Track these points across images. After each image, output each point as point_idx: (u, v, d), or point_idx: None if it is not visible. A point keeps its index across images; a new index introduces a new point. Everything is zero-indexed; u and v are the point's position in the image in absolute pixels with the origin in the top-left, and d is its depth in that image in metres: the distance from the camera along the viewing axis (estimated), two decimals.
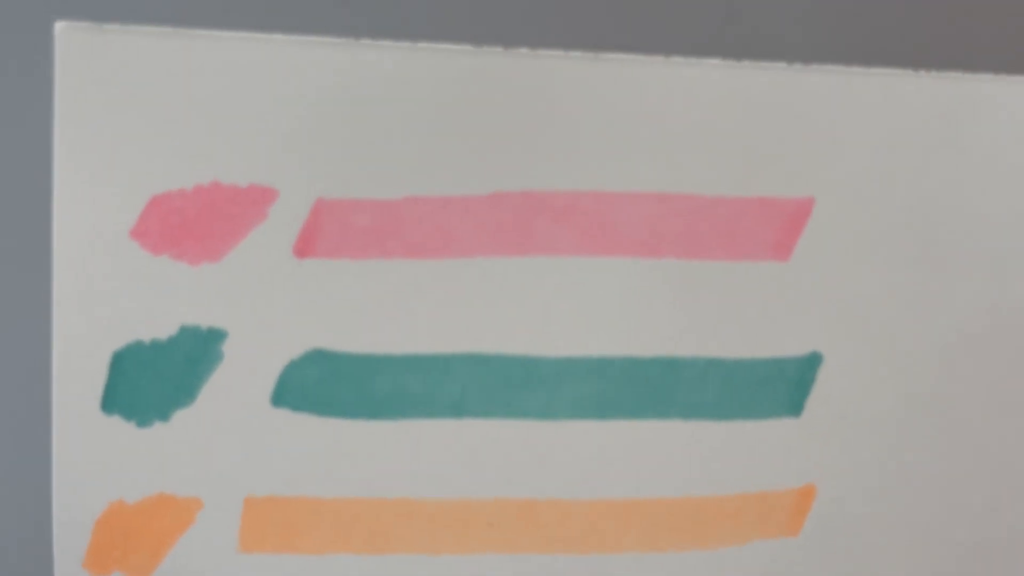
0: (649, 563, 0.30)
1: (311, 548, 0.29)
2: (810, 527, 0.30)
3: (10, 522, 0.30)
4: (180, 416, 0.28)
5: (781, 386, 0.29)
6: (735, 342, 0.29)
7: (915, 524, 0.30)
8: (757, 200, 0.28)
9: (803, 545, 0.30)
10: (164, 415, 0.28)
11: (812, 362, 0.29)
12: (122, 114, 0.26)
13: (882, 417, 0.29)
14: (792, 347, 0.29)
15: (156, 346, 0.28)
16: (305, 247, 0.28)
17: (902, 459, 0.30)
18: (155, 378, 0.28)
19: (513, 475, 0.29)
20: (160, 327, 0.28)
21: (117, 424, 0.28)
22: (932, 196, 0.28)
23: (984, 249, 0.29)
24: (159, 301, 0.28)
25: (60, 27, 0.26)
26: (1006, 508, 0.31)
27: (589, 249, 0.28)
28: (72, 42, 0.26)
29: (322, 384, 0.28)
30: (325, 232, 0.27)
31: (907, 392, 0.29)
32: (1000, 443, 0.30)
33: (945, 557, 0.31)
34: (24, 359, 0.28)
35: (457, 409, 0.29)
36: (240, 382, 0.28)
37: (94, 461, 0.28)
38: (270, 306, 0.28)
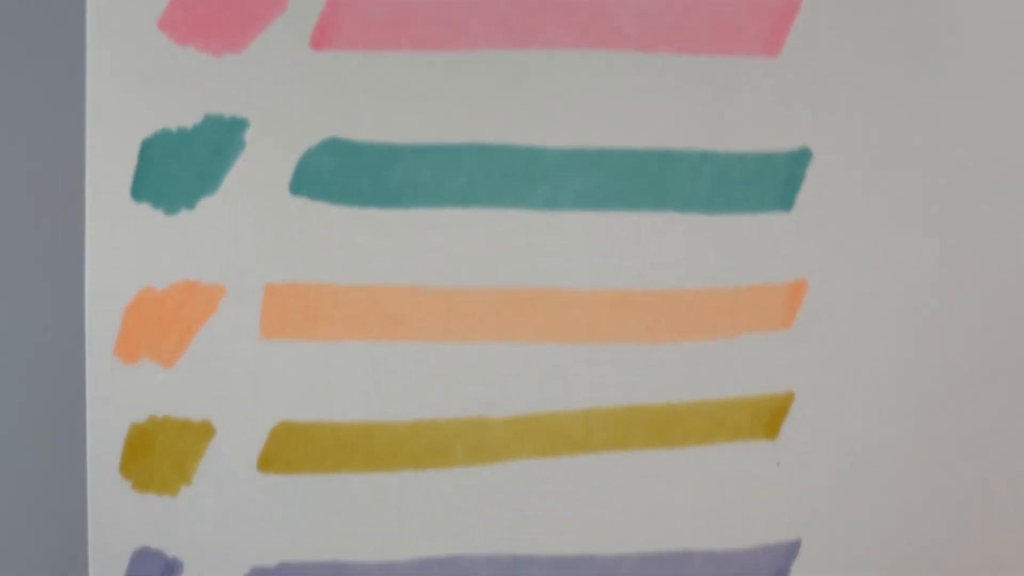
0: (644, 353, 0.32)
1: (329, 335, 0.31)
2: (801, 320, 0.32)
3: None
4: (205, 203, 0.30)
5: (772, 181, 0.31)
6: (727, 136, 0.31)
7: (903, 317, 0.32)
8: None
9: (794, 338, 0.32)
10: (190, 203, 0.30)
11: (801, 157, 0.31)
12: None
13: (872, 212, 0.31)
14: (782, 142, 0.31)
15: (182, 134, 0.30)
16: (322, 39, 0.29)
17: (891, 254, 0.32)
18: (181, 166, 0.30)
19: (518, 265, 0.31)
20: (186, 116, 0.29)
21: (146, 211, 0.30)
22: None
23: (975, 45, 0.31)
24: (185, 91, 0.29)
25: None
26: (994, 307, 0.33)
27: (589, 43, 0.30)
28: None
29: (338, 173, 0.30)
30: (341, 24, 0.29)
31: (896, 187, 0.31)
32: (990, 240, 0.32)
33: (932, 351, 0.33)
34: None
35: (465, 198, 0.30)
36: (261, 171, 0.30)
37: (125, 248, 0.30)
38: (289, 97, 0.29)
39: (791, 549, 0.33)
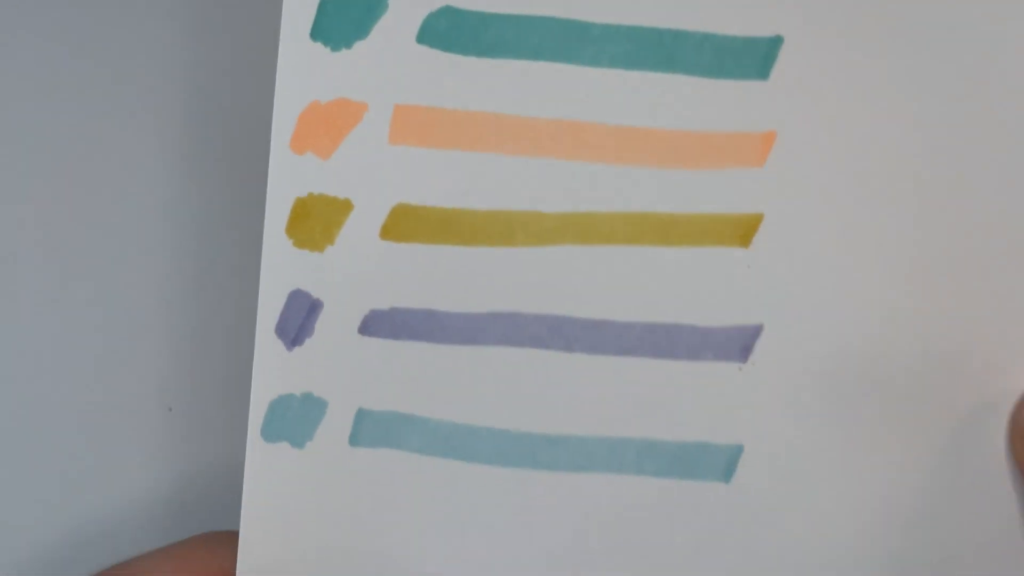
0: (654, 174, 0.45)
1: (434, 143, 0.44)
2: (771, 161, 0.45)
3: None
4: (359, 45, 0.44)
5: (754, 55, 0.44)
6: (723, 24, 0.44)
7: (878, 179, 0.42)
8: None
9: (766, 173, 0.44)
10: (348, 43, 0.44)
11: (776, 41, 0.44)
12: None
13: (845, 83, 0.41)
14: (764, 30, 0.44)
15: None
16: None
17: (864, 112, 0.41)
18: (345, 18, 0.44)
19: (570, 102, 0.44)
20: None
21: (319, 48, 0.45)
22: None
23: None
24: None
25: None
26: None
27: None
28: None
29: (449, 30, 0.43)
30: None
31: (867, 69, 0.42)
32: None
33: (897, 185, 0.42)
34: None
35: (536, 54, 0.43)
36: (398, 24, 0.44)
37: (303, 73, 0.45)
38: None
39: (755, 331, 0.44)
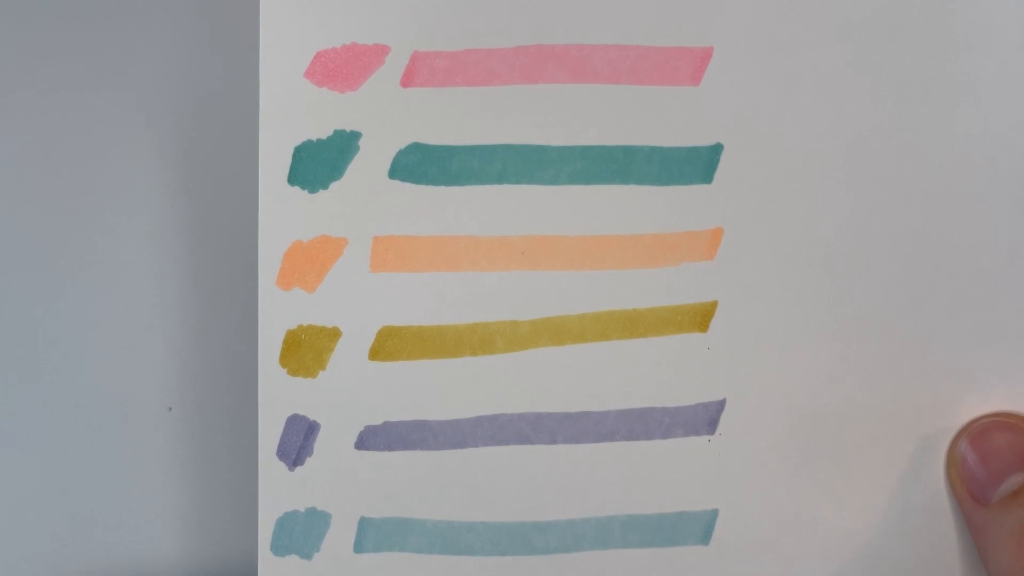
0: (617, 276, 0.50)
1: (413, 268, 0.47)
2: (721, 254, 0.51)
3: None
4: (334, 186, 0.48)
5: (698, 164, 0.50)
6: (667, 137, 0.50)
7: (816, 261, 0.47)
8: None
9: (717, 266, 0.51)
10: (325, 185, 0.48)
11: (717, 149, 0.50)
12: None
13: (782, 184, 0.47)
14: (705, 140, 0.50)
15: (320, 142, 0.48)
16: (408, 80, 0.48)
17: (807, 215, 0.48)
18: (320, 162, 0.48)
19: (535, 218, 0.49)
20: (322, 131, 0.48)
21: (296, 191, 0.49)
22: None
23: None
24: (320, 115, 0.48)
25: None
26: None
27: (576, 79, 0.49)
28: None
29: (418, 164, 0.48)
30: (418, 72, 0.48)
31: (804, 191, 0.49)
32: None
33: (838, 253, 0.48)
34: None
35: (499, 178, 0.47)
36: (370, 164, 0.48)
37: (280, 215, 0.49)
38: (386, 118, 0.48)
39: (720, 405, 0.50)
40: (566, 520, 0.48)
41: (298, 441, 0.46)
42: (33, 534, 0.51)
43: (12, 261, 0.49)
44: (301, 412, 0.47)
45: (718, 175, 0.46)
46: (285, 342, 0.46)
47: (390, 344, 0.46)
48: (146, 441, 0.52)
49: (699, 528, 0.48)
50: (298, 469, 0.47)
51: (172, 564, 0.51)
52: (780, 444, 0.47)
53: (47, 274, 0.50)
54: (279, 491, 0.47)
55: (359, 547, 0.48)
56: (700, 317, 0.47)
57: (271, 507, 0.47)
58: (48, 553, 0.51)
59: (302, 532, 0.47)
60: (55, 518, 0.52)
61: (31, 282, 0.48)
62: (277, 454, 0.47)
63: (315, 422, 0.46)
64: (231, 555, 0.53)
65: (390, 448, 0.48)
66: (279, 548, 0.47)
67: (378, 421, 0.47)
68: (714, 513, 0.49)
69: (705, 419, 0.47)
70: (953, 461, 0.47)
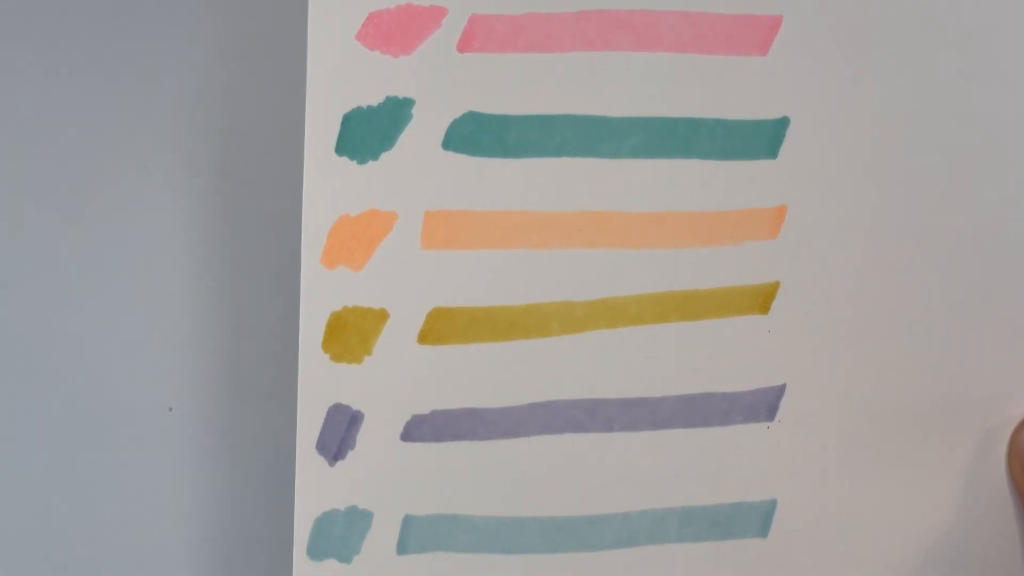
0: (676, 255, 0.48)
1: (466, 245, 0.45)
2: (784, 232, 0.50)
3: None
4: (385, 156, 0.45)
5: (762, 138, 0.49)
6: (732, 110, 0.48)
7: (883, 242, 0.47)
8: None
9: (779, 244, 0.49)
10: (375, 155, 0.46)
11: (783, 122, 0.49)
12: None
13: (847, 157, 0.47)
14: (770, 113, 0.49)
15: (370, 110, 0.45)
16: (464, 45, 0.46)
17: (863, 197, 0.47)
18: (370, 131, 0.45)
19: (592, 194, 0.47)
20: (374, 98, 0.45)
21: (344, 162, 0.46)
22: None
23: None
24: (373, 80, 0.46)
25: None
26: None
27: (640, 47, 0.47)
28: None
29: (473, 135, 0.46)
30: (477, 36, 0.46)
31: (870, 147, 0.47)
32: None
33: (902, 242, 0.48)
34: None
35: (558, 151, 0.46)
36: (423, 134, 0.46)
37: (330, 188, 0.46)
38: (442, 84, 0.46)
39: (780, 391, 0.49)
40: (621, 513, 0.46)
41: (340, 433, 0.44)
42: (33, 534, 0.49)
43: (13, 261, 0.49)
44: (344, 401, 0.45)
45: (783, 150, 0.45)
46: (329, 325, 0.44)
47: (440, 327, 0.44)
48: (146, 441, 0.48)
49: (757, 520, 0.47)
50: (339, 464, 0.44)
51: (173, 564, 0.47)
52: (841, 432, 0.46)
53: (47, 273, 0.50)
54: (317, 488, 0.44)
55: (402, 548, 0.45)
56: (761, 298, 0.45)
57: (308, 506, 0.44)
58: (48, 553, 0.49)
59: (342, 533, 0.44)
60: (56, 518, 0.49)
61: (30, 282, 0.50)
62: (317, 447, 0.44)
63: (358, 412, 0.44)
64: (232, 554, 0.50)
65: (438, 439, 0.45)
66: (316, 551, 0.44)
67: (426, 410, 0.45)
68: (773, 504, 0.47)
69: (765, 405, 0.46)
70: (1016, 453, 0.46)
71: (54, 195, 0.49)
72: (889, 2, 0.45)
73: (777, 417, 0.47)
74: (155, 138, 0.49)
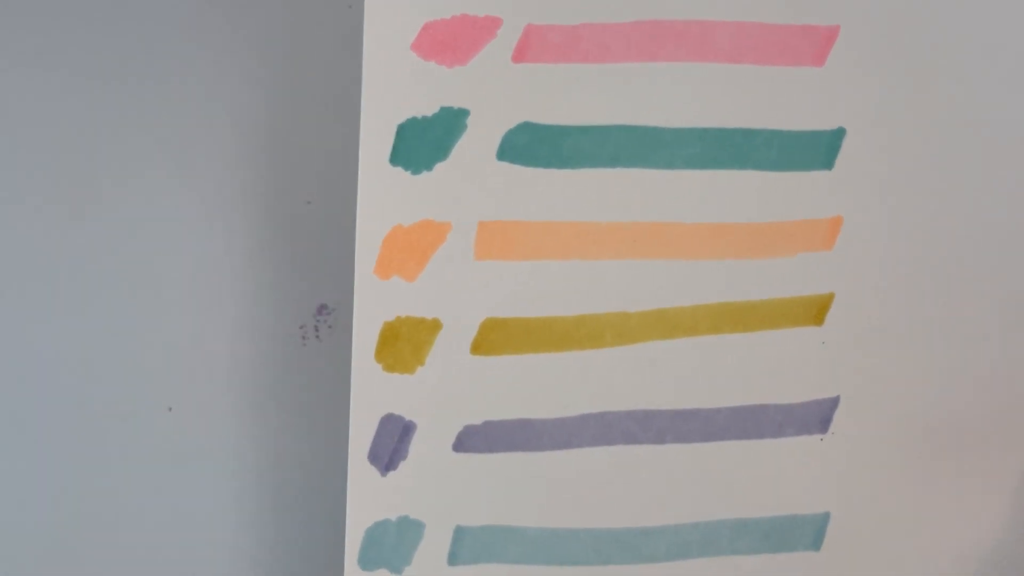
0: (731, 266, 0.48)
1: (520, 256, 0.46)
2: (840, 243, 0.49)
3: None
4: (439, 167, 0.46)
5: (818, 149, 0.48)
6: (787, 120, 0.48)
7: (939, 256, 0.47)
8: None
9: (834, 256, 0.49)
10: (429, 166, 0.46)
11: (839, 134, 0.48)
12: None
13: (904, 167, 0.45)
14: (826, 124, 0.48)
15: (424, 120, 0.45)
16: (519, 56, 0.46)
17: (931, 205, 0.47)
18: (424, 142, 0.44)
19: (647, 205, 0.47)
20: (428, 108, 0.45)
21: (399, 172, 0.46)
22: None
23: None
24: (427, 91, 0.46)
25: None
26: None
27: (694, 58, 0.47)
28: None
29: (528, 145, 0.46)
30: (531, 46, 0.46)
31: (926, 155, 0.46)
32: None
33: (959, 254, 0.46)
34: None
35: (612, 161, 0.46)
36: (477, 144, 0.46)
37: (384, 197, 0.46)
38: (496, 94, 0.46)
39: (833, 403, 0.49)
40: (674, 525, 0.46)
41: (392, 443, 0.44)
42: (34, 534, 0.49)
43: (14, 258, 0.49)
44: (397, 412, 0.46)
45: (839, 161, 0.45)
46: (382, 335, 0.44)
47: (494, 337, 0.44)
48: (146, 441, 0.49)
49: (810, 532, 0.46)
50: (391, 474, 0.44)
51: (174, 564, 0.48)
52: (895, 445, 0.46)
53: (47, 272, 0.49)
54: (369, 498, 0.45)
55: (454, 559, 0.45)
56: (816, 310, 0.45)
57: (360, 516, 0.45)
58: (49, 553, 0.49)
59: (393, 543, 0.45)
60: (55, 517, 0.49)
61: (32, 280, 0.49)
62: (369, 458, 0.45)
63: (411, 422, 0.44)
64: (233, 554, 0.50)
65: (491, 450, 0.45)
66: (367, 561, 0.45)
67: (478, 421, 0.45)
68: (826, 516, 0.47)
69: (818, 417, 0.46)
70: None
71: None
72: (946, 14, 0.45)
73: (831, 429, 0.47)
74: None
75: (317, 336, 0.48)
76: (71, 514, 0.48)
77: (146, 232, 0.48)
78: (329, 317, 0.48)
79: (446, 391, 0.45)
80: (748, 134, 0.45)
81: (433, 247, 0.43)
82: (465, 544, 0.45)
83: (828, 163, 0.45)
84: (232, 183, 0.47)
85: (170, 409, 0.48)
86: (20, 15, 0.46)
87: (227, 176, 0.47)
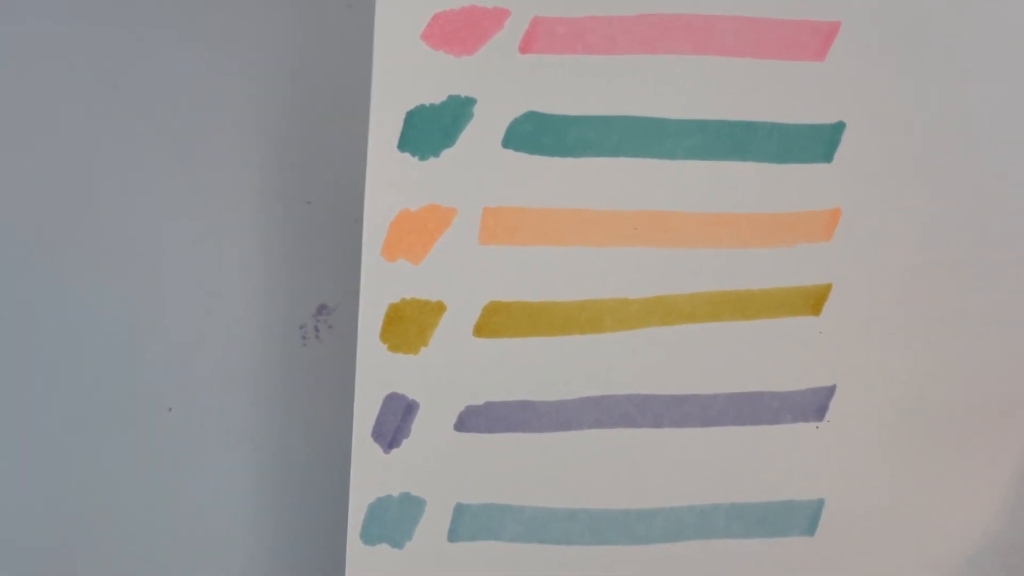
0: (731, 255, 0.50)
1: (523, 241, 0.47)
2: (838, 234, 0.51)
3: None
4: (445, 153, 0.47)
5: (819, 142, 0.50)
6: (789, 113, 0.49)
7: (935, 248, 0.47)
8: None
9: (833, 246, 0.50)
10: (436, 152, 0.48)
11: (839, 127, 0.50)
12: None
13: (903, 157, 0.46)
14: (826, 118, 0.50)
15: (432, 108, 0.47)
16: (525, 47, 0.48)
17: (929, 199, 0.47)
18: (431, 129, 0.46)
19: (648, 193, 0.48)
20: (436, 96, 0.47)
21: (406, 158, 0.48)
22: None
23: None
24: (436, 79, 0.47)
25: None
26: None
27: (697, 51, 0.48)
28: None
29: (533, 134, 0.47)
30: (538, 38, 0.47)
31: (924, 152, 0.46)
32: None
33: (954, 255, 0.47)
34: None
35: (615, 150, 0.47)
36: (483, 132, 0.48)
37: (391, 182, 0.48)
38: (503, 84, 0.47)
39: (829, 391, 0.50)
40: (669, 508, 0.47)
41: (395, 421, 0.46)
42: (33, 534, 0.50)
43: (14, 258, 0.49)
44: (400, 391, 0.46)
45: (839, 154, 0.45)
46: (387, 316, 0.45)
47: (496, 320, 0.46)
48: (146, 441, 0.50)
49: (805, 518, 0.48)
50: (393, 451, 0.46)
51: (173, 564, 0.50)
52: (890, 433, 0.47)
53: (47, 270, 0.50)
54: (372, 475, 0.46)
55: (453, 535, 0.47)
56: (813, 300, 0.46)
57: (363, 492, 0.46)
58: (49, 553, 0.50)
59: (394, 519, 0.46)
60: (55, 518, 0.50)
61: (30, 280, 0.50)
62: (372, 435, 0.46)
63: (414, 401, 0.46)
64: (234, 555, 0.51)
65: (491, 430, 0.47)
66: (369, 536, 0.46)
67: (480, 401, 0.46)
68: (820, 503, 0.48)
69: (814, 405, 0.47)
70: None
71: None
72: (946, 9, 0.46)
73: (827, 417, 0.48)
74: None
75: (317, 336, 0.49)
76: (71, 514, 0.48)
77: (146, 232, 0.49)
78: (329, 317, 0.49)
79: (449, 372, 0.46)
80: (749, 126, 0.45)
81: (439, 231, 0.44)
82: (465, 521, 0.46)
83: (828, 156, 0.46)
84: (232, 183, 0.48)
85: (170, 409, 0.49)
86: (21, 15, 0.48)
87: (227, 176, 0.48)
